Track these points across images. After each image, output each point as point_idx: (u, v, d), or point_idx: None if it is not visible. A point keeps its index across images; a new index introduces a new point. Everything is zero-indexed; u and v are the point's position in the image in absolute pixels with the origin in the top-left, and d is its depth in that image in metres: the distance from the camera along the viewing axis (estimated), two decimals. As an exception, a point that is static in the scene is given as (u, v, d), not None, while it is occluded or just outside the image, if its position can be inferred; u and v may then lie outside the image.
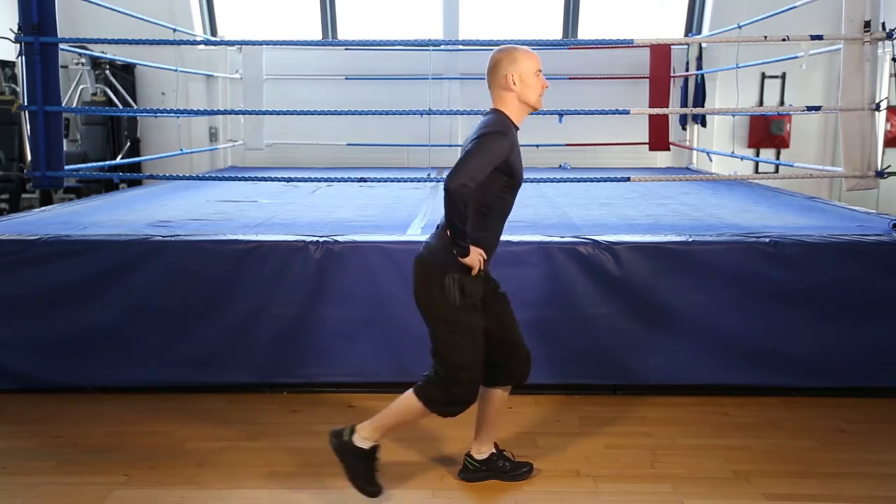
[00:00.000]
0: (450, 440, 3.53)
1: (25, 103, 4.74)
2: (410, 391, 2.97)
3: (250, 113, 8.66)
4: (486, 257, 2.87)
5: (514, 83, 2.84)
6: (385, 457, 3.33)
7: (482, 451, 3.18)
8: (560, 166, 8.86)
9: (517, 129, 2.90)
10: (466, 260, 2.79)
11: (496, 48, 2.94)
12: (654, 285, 4.03)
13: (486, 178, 2.73)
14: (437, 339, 2.94)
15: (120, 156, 8.66)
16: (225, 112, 9.00)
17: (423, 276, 2.94)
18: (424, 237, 4.14)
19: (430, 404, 2.94)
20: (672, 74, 8.83)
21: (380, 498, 3.03)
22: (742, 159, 8.24)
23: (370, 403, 3.96)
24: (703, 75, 8.72)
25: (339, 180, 5.55)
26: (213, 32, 9.45)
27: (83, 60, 8.33)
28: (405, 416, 3.00)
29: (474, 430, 3.20)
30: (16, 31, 4.67)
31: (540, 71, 2.89)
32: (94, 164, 7.13)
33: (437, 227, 2.97)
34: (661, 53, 8.66)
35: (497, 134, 2.77)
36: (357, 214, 5.23)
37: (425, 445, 3.50)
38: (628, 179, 5.27)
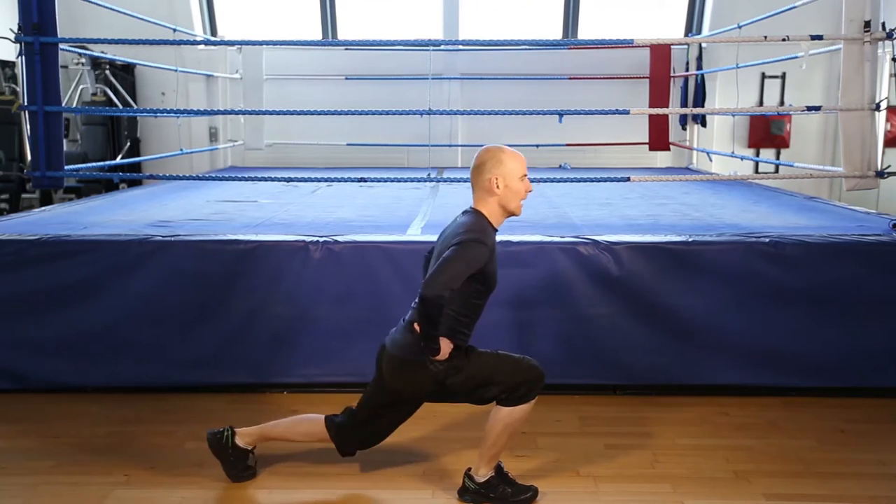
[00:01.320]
0: (450, 440, 3.53)
1: (25, 103, 4.74)
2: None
3: (250, 113, 8.67)
4: (452, 346, 2.87)
5: (498, 186, 2.85)
6: (385, 457, 3.33)
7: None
8: (560, 166, 8.86)
9: (496, 231, 2.90)
10: (437, 357, 2.82)
11: (482, 147, 2.93)
12: (654, 285, 4.03)
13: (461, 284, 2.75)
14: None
15: (120, 156, 8.66)
16: (225, 112, 9.00)
17: (400, 373, 2.95)
18: (424, 237, 4.19)
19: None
20: (672, 74, 8.83)
21: (381, 498, 3.03)
22: (742, 159, 8.24)
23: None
24: (703, 75, 8.72)
25: (339, 180, 5.55)
26: (213, 32, 9.45)
27: (83, 60, 8.33)
28: (500, 434, 2.95)
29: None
30: (16, 31, 4.67)
31: (525, 175, 2.90)
32: (94, 164, 7.14)
33: (404, 320, 2.99)
34: (661, 53, 8.67)
35: (475, 242, 2.75)
36: (357, 214, 5.23)
37: (425, 445, 3.50)
38: (628, 179, 5.27)
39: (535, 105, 4.78)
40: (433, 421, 3.76)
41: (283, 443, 3.52)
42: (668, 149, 8.99)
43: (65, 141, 5.47)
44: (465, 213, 2.94)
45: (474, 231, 2.79)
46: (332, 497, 3.09)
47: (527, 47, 8.89)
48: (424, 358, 2.85)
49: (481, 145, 3.03)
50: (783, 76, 9.00)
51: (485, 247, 2.77)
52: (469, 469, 3.05)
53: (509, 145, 2.98)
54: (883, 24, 4.66)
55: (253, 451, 3.18)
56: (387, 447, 3.35)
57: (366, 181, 5.64)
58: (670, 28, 9.51)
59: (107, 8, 6.05)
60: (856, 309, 4.04)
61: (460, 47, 8.92)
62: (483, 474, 3.01)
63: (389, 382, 2.98)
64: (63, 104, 5.21)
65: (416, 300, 2.83)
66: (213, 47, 9.00)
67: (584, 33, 9.36)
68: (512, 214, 2.94)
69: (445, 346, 2.82)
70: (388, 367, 2.98)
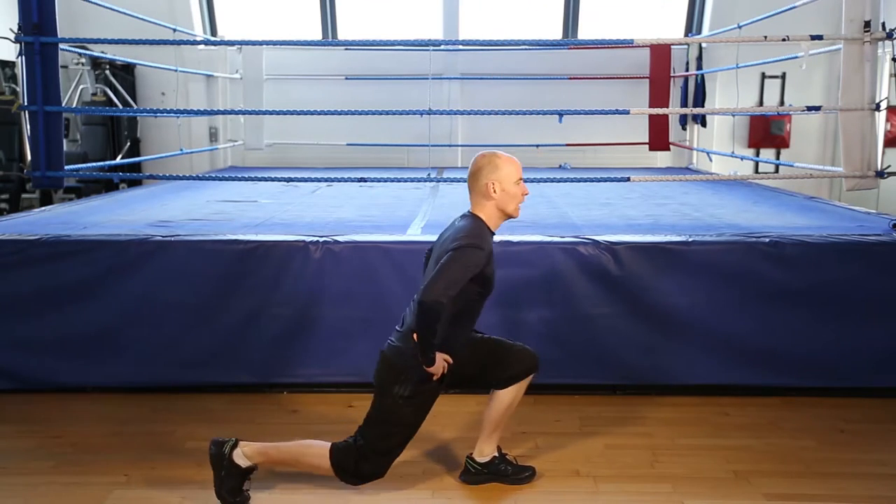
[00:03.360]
0: (450, 440, 3.53)
1: (25, 103, 4.74)
2: (323, 447, 2.99)
3: (250, 113, 8.67)
4: (451, 362, 2.89)
5: (495, 191, 2.87)
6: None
7: (484, 454, 3.14)
8: (560, 166, 8.85)
9: (493, 234, 2.93)
10: (431, 369, 2.82)
11: (478, 154, 2.95)
12: (654, 285, 4.03)
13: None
14: (372, 417, 2.99)
15: (120, 156, 8.66)
16: (225, 112, 9.00)
17: (384, 371, 2.97)
18: (424, 237, 4.19)
19: (338, 470, 2.97)
20: (672, 74, 8.83)
21: (381, 498, 3.04)
22: (742, 159, 8.24)
23: (370, 403, 3.96)
24: (703, 75, 8.72)
25: (339, 180, 5.55)
26: (213, 32, 9.45)
27: (83, 60, 8.32)
28: (304, 464, 3.02)
29: (480, 431, 3.17)
30: (16, 31, 4.67)
31: (521, 179, 2.92)
32: (94, 164, 7.13)
33: (403, 322, 2.99)
34: (661, 53, 8.67)
35: (473, 247, 2.77)
36: (357, 214, 5.23)
37: (425, 446, 3.50)
38: (628, 179, 5.27)
39: (535, 105, 4.78)
40: (432, 421, 3.75)
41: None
42: (668, 149, 8.99)
43: (65, 141, 5.46)
44: (462, 217, 2.96)
45: (471, 236, 2.81)
46: (332, 497, 3.09)
47: (527, 47, 8.89)
48: (407, 371, 2.88)
49: (481, 145, 3.04)
50: (783, 76, 9.00)
51: (482, 251, 2.79)
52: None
53: (509, 145, 2.99)
54: (883, 24, 4.66)
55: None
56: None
57: (366, 181, 5.64)
58: (670, 28, 9.51)
59: (107, 8, 6.05)
60: (856, 309, 4.04)
61: (460, 47, 8.92)
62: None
63: (375, 375, 3.01)
64: (63, 104, 5.21)
65: (414, 305, 2.83)
66: (213, 47, 8.99)
67: (584, 33, 9.36)
68: (510, 217, 2.96)
69: (440, 362, 2.84)
70: (379, 364, 3.00)
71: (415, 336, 2.80)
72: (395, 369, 2.92)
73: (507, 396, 3.05)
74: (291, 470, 3.14)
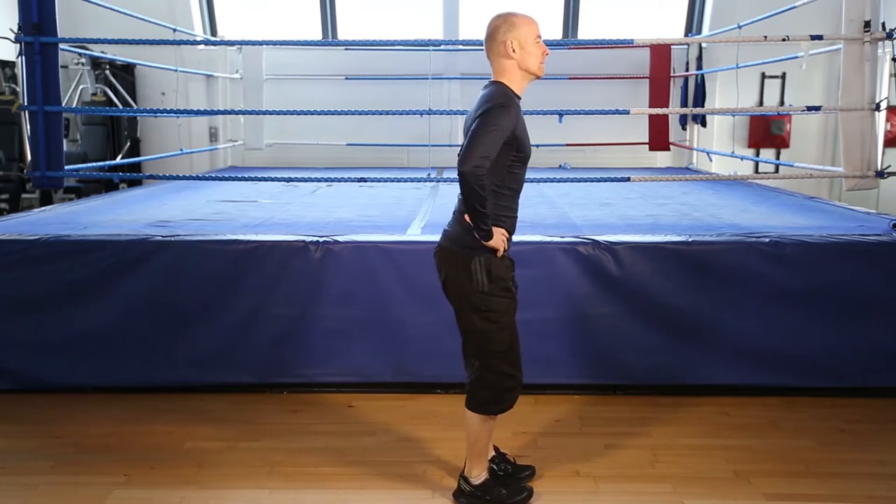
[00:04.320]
0: (449, 440, 3.52)
1: (25, 103, 4.74)
2: (467, 414, 2.91)
3: (250, 113, 8.67)
4: (508, 236, 2.82)
5: (514, 50, 2.75)
6: (384, 457, 3.34)
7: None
8: (560, 166, 8.86)
9: (519, 98, 2.83)
10: (491, 242, 2.73)
11: (493, 15, 2.84)
12: (654, 285, 4.03)
13: (496, 154, 2.67)
14: (470, 329, 2.87)
15: (120, 156, 8.66)
16: (225, 112, 9.00)
17: (448, 266, 2.86)
18: (425, 237, 4.19)
19: (483, 408, 2.88)
20: (672, 74, 8.83)
21: (381, 498, 3.03)
22: (742, 159, 8.24)
23: (370, 403, 3.97)
24: (703, 75, 8.72)
25: (339, 180, 5.55)
26: (213, 32, 9.45)
27: (83, 60, 8.32)
28: (479, 435, 2.93)
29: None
30: (16, 31, 4.67)
31: (539, 37, 2.80)
32: (94, 164, 7.13)
33: (454, 212, 2.90)
34: (661, 53, 8.66)
35: (500, 108, 2.68)
36: (357, 214, 5.23)
37: (425, 446, 3.50)
38: (628, 179, 5.27)
39: (535, 105, 4.75)
40: (432, 421, 3.76)
41: (284, 443, 3.54)
42: (668, 149, 8.99)
43: (65, 141, 5.47)
44: (486, 86, 2.84)
45: (496, 99, 2.72)
46: (332, 497, 3.09)
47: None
48: (473, 253, 2.76)
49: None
50: (783, 76, 9.00)
51: (510, 111, 2.70)
52: (463, 471, 3.04)
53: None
54: (883, 24, 4.66)
55: (496, 460, 3.07)
56: (386, 447, 3.36)
57: (366, 181, 5.64)
58: (670, 28, 9.51)
59: (107, 8, 6.05)
60: (856, 309, 4.04)
61: (460, 47, 8.91)
62: (477, 475, 3.00)
63: (441, 277, 2.89)
64: (63, 104, 5.21)
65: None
66: (213, 47, 8.99)
67: (584, 33, 9.35)
68: (535, 77, 2.84)
69: (498, 236, 2.76)
70: (438, 261, 2.89)
71: (465, 217, 2.72)
72: (459, 259, 2.80)
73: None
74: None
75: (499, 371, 2.87)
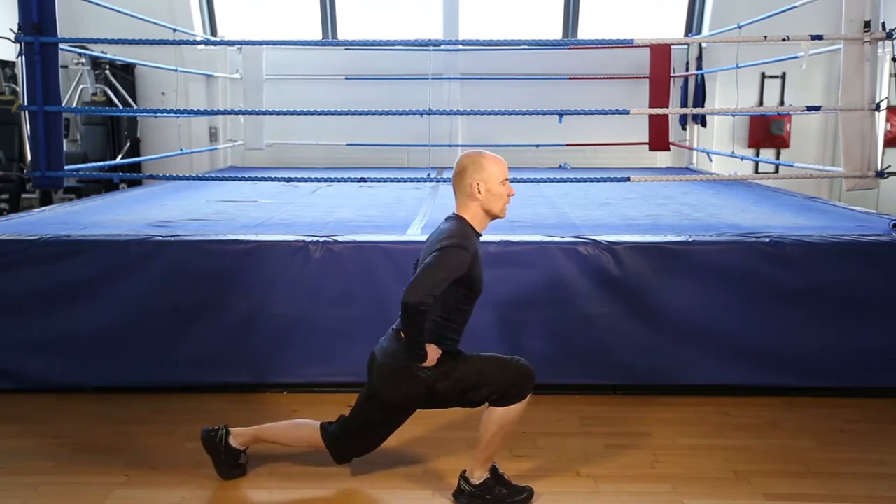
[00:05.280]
0: (449, 440, 3.52)
1: (25, 103, 4.73)
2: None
3: (250, 113, 8.67)
4: (440, 352, 2.87)
5: (480, 192, 2.84)
6: (384, 458, 3.33)
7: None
8: (560, 166, 8.86)
9: (479, 236, 2.90)
10: (425, 363, 2.82)
11: (463, 153, 2.93)
12: (654, 285, 4.03)
13: (444, 290, 2.73)
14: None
15: (120, 156, 8.66)
16: (225, 112, 9.00)
17: (392, 381, 2.94)
18: (424, 237, 4.17)
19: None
20: (672, 74, 8.83)
21: (381, 498, 3.05)
22: (742, 159, 8.25)
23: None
24: (703, 75, 8.72)
25: (339, 180, 5.55)
26: (213, 32, 9.45)
27: (83, 60, 8.33)
28: (494, 435, 2.93)
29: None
30: (16, 31, 4.67)
31: (507, 179, 2.88)
32: (94, 164, 7.13)
33: (392, 329, 2.98)
34: (661, 53, 8.67)
35: (457, 248, 2.74)
36: (357, 214, 5.23)
37: (425, 446, 3.50)
38: (628, 179, 5.27)
39: (535, 105, 4.78)
40: (432, 421, 3.76)
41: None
42: (668, 149, 9.00)
43: (65, 141, 5.46)
44: (447, 219, 2.94)
45: (455, 237, 2.79)
46: (332, 497, 3.09)
47: (527, 47, 8.89)
48: (413, 365, 2.85)
49: (481, 145, 3.03)
50: (783, 76, 9.00)
51: (466, 252, 2.76)
52: (464, 471, 3.04)
53: (509, 145, 2.98)
54: (883, 24, 4.66)
55: (245, 450, 3.20)
56: (386, 448, 3.35)
57: (366, 181, 5.64)
58: (670, 28, 9.51)
59: (107, 8, 6.05)
60: (856, 309, 4.04)
61: (460, 47, 8.92)
62: (478, 476, 2.99)
63: (381, 391, 2.99)
64: (63, 104, 5.21)
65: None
66: (213, 47, 9.00)
67: (584, 33, 9.36)
68: (496, 217, 2.92)
69: (432, 353, 2.82)
70: (378, 376, 2.99)
71: (402, 334, 2.80)
72: (399, 372, 2.89)
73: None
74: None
75: (508, 382, 2.88)
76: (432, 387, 2.88)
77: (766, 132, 9.10)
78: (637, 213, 5.29)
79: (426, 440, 3.55)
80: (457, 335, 2.95)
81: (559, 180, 5.53)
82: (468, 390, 2.90)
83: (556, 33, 9.38)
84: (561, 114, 5.06)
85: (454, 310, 2.88)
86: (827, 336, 4.04)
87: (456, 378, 2.89)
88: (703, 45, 8.78)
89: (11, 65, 7.65)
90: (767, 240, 4.09)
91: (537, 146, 8.30)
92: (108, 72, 8.58)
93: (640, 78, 8.74)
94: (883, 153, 4.87)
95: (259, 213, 5.23)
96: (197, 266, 4.08)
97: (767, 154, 9.19)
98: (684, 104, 8.79)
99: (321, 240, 4.10)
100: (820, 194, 7.73)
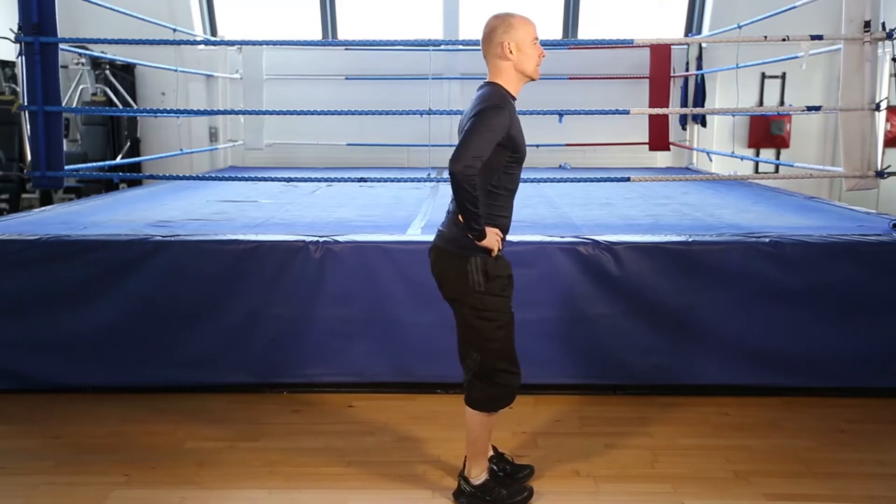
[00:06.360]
0: (449, 440, 3.52)
1: (25, 103, 4.74)
2: (467, 411, 2.93)
3: (250, 113, 8.66)
4: (502, 236, 2.82)
5: (511, 52, 2.75)
6: (385, 458, 3.34)
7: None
8: (560, 166, 8.86)
9: (514, 99, 2.82)
10: (484, 242, 2.72)
11: (491, 15, 2.84)
12: (654, 285, 4.03)
13: (489, 154, 2.66)
14: (467, 329, 2.87)
15: (120, 156, 8.66)
16: (225, 112, 9.00)
17: (443, 266, 2.86)
18: (424, 237, 4.18)
19: (480, 405, 2.89)
20: (672, 74, 8.83)
21: (381, 498, 3.04)
22: (742, 159, 8.25)
23: (370, 403, 3.98)
24: (703, 75, 8.72)
25: (339, 180, 5.55)
26: (213, 32, 9.45)
27: (83, 60, 8.33)
28: (480, 435, 2.95)
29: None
30: (16, 31, 4.67)
31: (537, 38, 2.81)
32: (94, 164, 7.13)
33: (448, 212, 2.90)
34: (661, 53, 8.66)
35: (494, 108, 2.67)
36: (357, 214, 5.23)
37: (425, 446, 3.50)
38: (628, 179, 5.27)
39: (535, 105, 4.75)
40: (432, 421, 3.76)
41: (284, 443, 3.54)
42: (668, 149, 8.99)
43: (65, 141, 5.47)
44: (480, 87, 2.84)
45: (491, 99, 2.71)
46: (332, 497, 3.09)
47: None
48: (467, 254, 2.76)
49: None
50: (783, 76, 9.00)
51: (504, 111, 2.69)
52: (462, 471, 3.05)
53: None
54: (883, 24, 4.66)
55: (495, 460, 3.07)
56: (386, 447, 3.36)
57: (366, 181, 5.64)
58: (670, 28, 9.51)
59: (107, 8, 6.05)
60: (856, 309, 4.04)
61: (460, 47, 8.90)
62: (476, 476, 3.00)
63: (437, 278, 2.89)
64: (63, 104, 5.21)
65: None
66: (213, 47, 8.99)
67: (584, 33, 9.35)
68: (530, 79, 2.84)
69: (492, 236, 2.75)
70: (433, 261, 2.89)
71: (459, 217, 2.71)
72: (454, 259, 2.80)
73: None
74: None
75: (497, 368, 2.88)
76: (478, 290, 2.77)
77: (766, 132, 9.10)
78: (637, 213, 5.29)
79: (426, 440, 3.55)
80: (508, 203, 2.87)
81: (559, 180, 5.53)
82: (477, 335, 2.83)
83: (556, 33, 9.37)
84: (561, 114, 5.06)
85: (503, 175, 2.79)
86: (827, 336, 4.04)
87: (489, 310, 2.81)
88: (703, 45, 8.77)
89: (11, 65, 7.66)
90: (767, 240, 4.09)
91: (537, 146, 8.29)
92: (108, 72, 8.58)
93: (640, 78, 8.74)
94: (883, 153, 4.87)
95: (259, 213, 5.23)
96: (197, 266, 4.08)
97: (767, 154, 9.18)
98: (684, 104, 8.78)
99: (321, 240, 4.10)
100: (820, 194, 7.72)
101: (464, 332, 2.91)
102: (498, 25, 2.77)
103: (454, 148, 2.67)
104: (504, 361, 2.88)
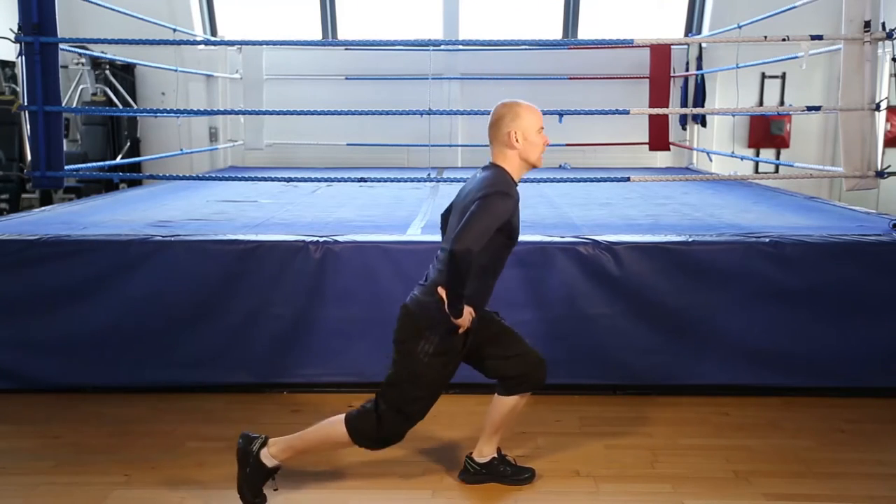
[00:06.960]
0: (450, 440, 3.53)
1: (25, 103, 4.74)
2: (338, 418, 2.96)
3: (250, 113, 8.67)
4: (475, 315, 2.86)
5: (517, 140, 2.83)
6: (386, 456, 3.33)
7: (484, 455, 3.14)
8: (560, 166, 8.86)
9: (517, 184, 2.89)
10: (458, 320, 2.78)
11: (499, 103, 2.92)
12: (655, 285, 4.03)
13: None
14: (393, 380, 2.93)
15: (120, 156, 8.66)
16: (225, 112, 9.00)
17: (405, 326, 2.92)
18: (424, 237, 4.19)
19: (358, 437, 2.93)
20: (672, 74, 8.83)
21: (381, 497, 3.06)
22: (742, 159, 8.25)
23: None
24: (703, 75, 8.72)
25: (339, 180, 5.55)
26: (213, 32, 9.45)
27: (83, 60, 8.33)
28: (322, 444, 3.00)
29: (481, 433, 3.17)
30: (16, 31, 4.67)
31: (542, 128, 2.89)
32: (94, 164, 7.13)
33: (426, 278, 2.94)
34: (661, 53, 8.67)
35: (501, 195, 2.74)
36: (357, 214, 5.23)
37: (425, 445, 3.50)
38: (628, 179, 5.27)
39: (535, 105, 4.76)
40: (432, 421, 3.75)
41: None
42: (668, 149, 9.00)
43: (65, 141, 5.47)
44: (485, 168, 2.91)
45: (498, 185, 2.78)
46: (332, 496, 3.09)
47: (527, 47, 8.89)
48: (432, 326, 2.81)
49: (481, 145, 3.03)
50: (783, 76, 9.00)
51: (510, 199, 2.77)
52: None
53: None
54: (883, 24, 4.66)
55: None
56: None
57: (366, 181, 5.65)
58: (670, 28, 9.51)
59: (107, 8, 6.05)
60: (856, 309, 4.04)
61: (460, 47, 8.92)
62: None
63: (395, 331, 2.94)
64: (63, 104, 5.21)
65: (439, 260, 2.83)
66: (213, 47, 8.99)
67: (584, 33, 9.36)
68: (533, 167, 2.91)
69: (467, 315, 2.79)
70: (400, 318, 2.94)
71: (439, 290, 2.75)
72: (419, 324, 2.85)
73: (510, 401, 3.06)
74: (317, 456, 3.20)
75: (394, 423, 2.93)
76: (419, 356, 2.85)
77: (766, 132, 9.10)
78: (637, 213, 5.29)
79: (426, 440, 3.55)
80: (492, 281, 2.95)
81: (559, 180, 5.53)
82: (398, 375, 2.93)
83: (556, 33, 9.38)
84: (561, 114, 5.05)
85: (493, 259, 2.86)
86: (827, 336, 4.04)
87: (419, 373, 2.88)
88: (703, 45, 8.78)
89: (11, 65, 7.66)
90: (767, 240, 4.09)
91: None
92: (108, 72, 8.58)
93: (640, 78, 8.74)
94: (883, 153, 4.87)
95: (259, 213, 5.23)
96: (197, 266, 4.08)
97: (767, 154, 9.18)
98: (684, 104, 8.78)
99: (321, 240, 4.10)
100: (820, 194, 7.72)
101: (389, 382, 2.94)
102: (506, 114, 2.86)
103: (458, 226, 2.73)
104: (404, 422, 2.94)
